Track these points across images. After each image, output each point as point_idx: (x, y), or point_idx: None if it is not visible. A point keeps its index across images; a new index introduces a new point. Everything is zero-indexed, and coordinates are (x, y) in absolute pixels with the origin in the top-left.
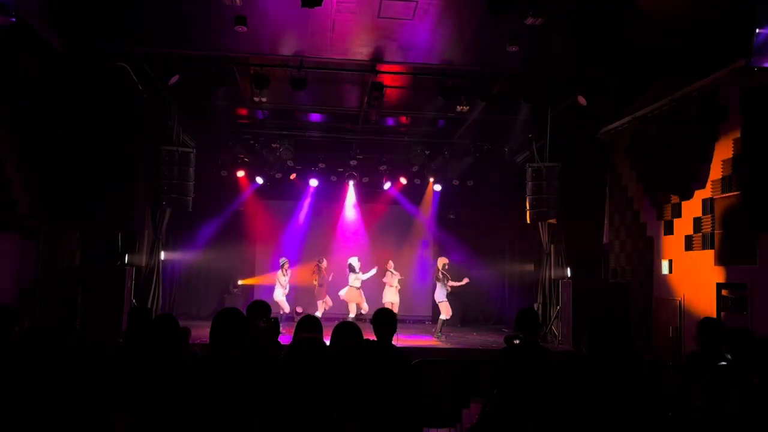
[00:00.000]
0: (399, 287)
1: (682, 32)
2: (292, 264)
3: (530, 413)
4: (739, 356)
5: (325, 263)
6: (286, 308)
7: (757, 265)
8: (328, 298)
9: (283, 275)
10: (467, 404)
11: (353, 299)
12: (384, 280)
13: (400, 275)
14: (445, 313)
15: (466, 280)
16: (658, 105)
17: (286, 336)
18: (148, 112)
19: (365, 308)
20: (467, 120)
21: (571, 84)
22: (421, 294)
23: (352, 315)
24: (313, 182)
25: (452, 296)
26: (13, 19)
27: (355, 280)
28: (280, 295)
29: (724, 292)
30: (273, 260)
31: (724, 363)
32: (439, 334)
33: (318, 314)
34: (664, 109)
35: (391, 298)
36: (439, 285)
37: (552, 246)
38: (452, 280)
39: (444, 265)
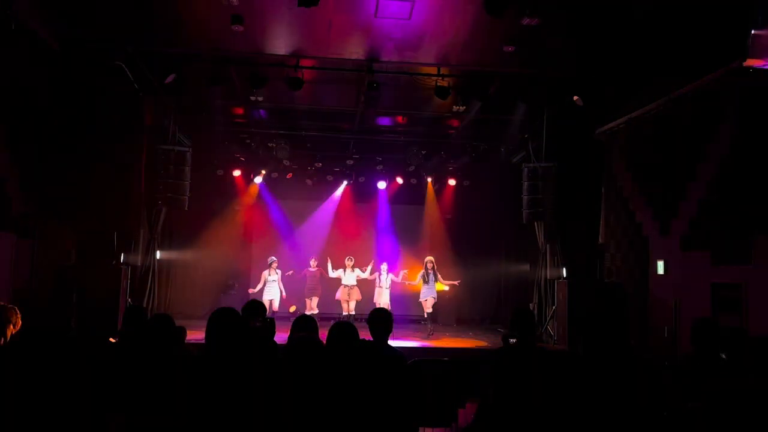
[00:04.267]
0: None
1: (678, 32)
2: (288, 263)
3: (526, 413)
4: (734, 356)
5: (315, 263)
6: (275, 307)
7: (752, 265)
8: (315, 299)
9: (270, 274)
10: (463, 404)
11: (344, 298)
12: (378, 282)
13: (394, 277)
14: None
15: (457, 282)
16: (654, 105)
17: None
18: (145, 111)
19: (350, 309)
20: (464, 120)
21: (568, 84)
22: (418, 294)
23: (345, 313)
24: (310, 182)
25: (450, 295)
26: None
27: (347, 278)
28: (269, 295)
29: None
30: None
31: (719, 363)
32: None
33: (309, 312)
34: (660, 109)
35: (384, 299)
36: (426, 285)
37: (548, 246)
38: (445, 279)
39: (433, 264)
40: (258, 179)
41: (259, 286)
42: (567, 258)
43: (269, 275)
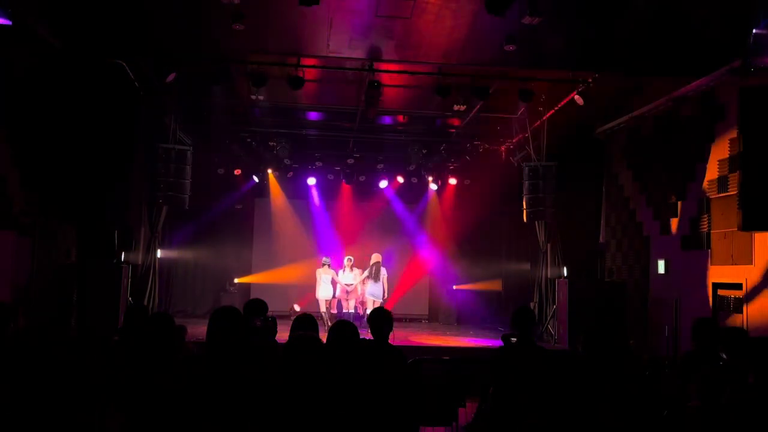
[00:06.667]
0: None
1: (678, 32)
2: (290, 262)
3: (526, 412)
4: (734, 356)
5: (329, 261)
6: (323, 307)
7: (753, 265)
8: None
9: (325, 273)
10: (463, 403)
11: (343, 297)
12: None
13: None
14: None
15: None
16: (654, 105)
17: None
18: (145, 110)
19: (350, 307)
20: (464, 119)
21: (568, 83)
22: (418, 293)
23: (345, 311)
24: (311, 180)
25: (450, 295)
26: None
27: (345, 277)
28: (324, 293)
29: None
30: (269, 258)
31: (719, 362)
32: None
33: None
34: (660, 108)
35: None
36: (371, 282)
37: (548, 245)
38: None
39: (378, 261)
40: (258, 178)
41: (318, 285)
42: (567, 257)
43: (324, 274)
